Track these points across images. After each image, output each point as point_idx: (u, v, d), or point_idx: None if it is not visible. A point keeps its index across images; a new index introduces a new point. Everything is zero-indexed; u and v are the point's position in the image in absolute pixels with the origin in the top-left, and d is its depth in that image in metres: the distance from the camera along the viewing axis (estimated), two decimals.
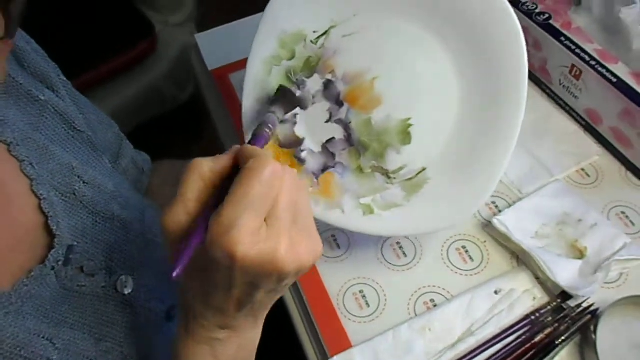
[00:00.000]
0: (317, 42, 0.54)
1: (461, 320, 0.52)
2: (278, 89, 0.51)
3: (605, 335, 0.49)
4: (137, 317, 0.45)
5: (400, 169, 0.50)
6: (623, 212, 0.60)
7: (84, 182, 0.44)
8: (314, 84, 0.53)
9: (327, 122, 0.52)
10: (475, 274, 0.56)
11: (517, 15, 0.70)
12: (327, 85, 0.52)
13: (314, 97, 0.53)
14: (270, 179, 0.32)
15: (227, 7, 1.15)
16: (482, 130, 0.49)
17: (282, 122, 0.52)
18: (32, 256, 0.39)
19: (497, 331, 0.51)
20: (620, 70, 0.62)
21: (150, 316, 0.47)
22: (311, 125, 0.53)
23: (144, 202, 0.52)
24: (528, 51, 0.71)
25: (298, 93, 0.53)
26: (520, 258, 0.56)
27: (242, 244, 0.31)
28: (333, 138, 0.52)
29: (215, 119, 0.78)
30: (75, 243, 0.41)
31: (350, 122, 0.51)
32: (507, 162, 0.48)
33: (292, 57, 0.54)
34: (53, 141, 0.44)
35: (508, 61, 0.49)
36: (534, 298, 0.54)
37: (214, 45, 0.84)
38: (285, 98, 0.50)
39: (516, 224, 0.57)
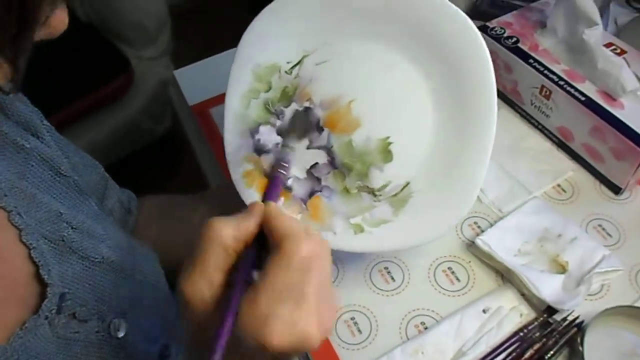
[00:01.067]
0: (291, 72, 0.55)
1: (452, 341, 0.53)
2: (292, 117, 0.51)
3: (592, 346, 0.50)
4: (131, 359, 0.45)
5: (385, 186, 0.51)
6: (600, 225, 0.62)
7: (72, 228, 0.43)
8: (292, 112, 0.54)
9: (308, 148, 0.53)
10: (463, 294, 0.57)
11: (486, 40, 0.73)
12: (306, 112, 0.54)
13: None
14: (306, 264, 0.33)
15: (201, 41, 1.17)
16: (458, 140, 0.51)
17: (265, 152, 0.53)
18: (25, 307, 0.38)
19: (488, 350, 0.52)
20: (588, 88, 0.65)
21: (144, 357, 0.47)
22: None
23: (133, 242, 0.51)
24: (499, 74, 0.74)
25: (278, 123, 0.54)
26: (505, 276, 0.58)
27: (277, 335, 0.31)
28: (317, 163, 0.53)
29: (197, 152, 0.79)
30: (67, 290, 0.40)
31: (332, 146, 0.53)
32: (486, 165, 0.49)
33: (268, 89, 0.55)
34: (40, 188, 0.44)
35: (476, 78, 0.51)
36: (521, 314, 0.55)
37: (192, 80, 0.85)
38: (296, 124, 0.50)
39: (498, 242, 0.58)
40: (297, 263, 0.32)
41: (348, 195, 0.52)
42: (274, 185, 0.43)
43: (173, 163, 1.63)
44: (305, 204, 0.52)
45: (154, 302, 0.50)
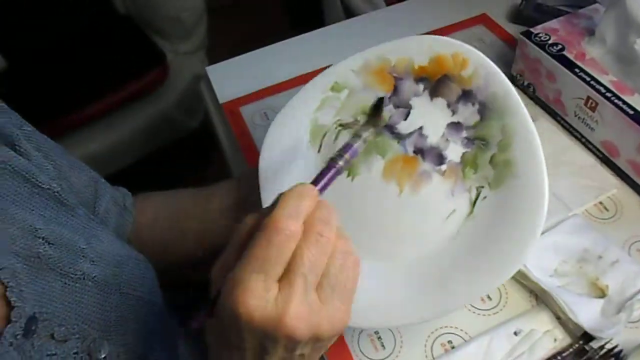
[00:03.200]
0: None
1: None
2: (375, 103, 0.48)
3: None
4: None
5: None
6: None
7: (49, 243, 0.41)
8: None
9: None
10: (494, 313, 0.54)
11: (530, 47, 0.71)
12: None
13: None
14: (282, 242, 0.32)
15: (236, 37, 1.16)
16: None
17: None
18: None
19: None
20: (637, 102, 0.61)
21: None
22: None
23: (123, 252, 0.49)
24: (542, 82, 0.71)
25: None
26: (540, 297, 0.55)
27: (246, 304, 0.31)
28: None
29: (225, 150, 0.78)
30: (43, 309, 0.38)
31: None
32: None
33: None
34: (14, 203, 0.42)
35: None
36: (555, 339, 0.52)
37: (224, 77, 0.84)
38: (374, 113, 0.47)
39: (535, 261, 0.55)
40: (273, 240, 0.32)
41: None
42: (324, 172, 0.40)
43: (204, 157, 1.64)
44: None
45: (142, 316, 0.47)
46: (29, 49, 1.38)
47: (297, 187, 0.36)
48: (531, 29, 0.72)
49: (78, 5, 1.43)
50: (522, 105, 0.47)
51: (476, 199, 0.48)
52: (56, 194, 0.46)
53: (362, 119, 0.52)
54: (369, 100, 0.52)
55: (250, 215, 0.36)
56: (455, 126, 0.50)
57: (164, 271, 0.57)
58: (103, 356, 0.41)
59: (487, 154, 0.48)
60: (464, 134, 0.49)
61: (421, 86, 0.51)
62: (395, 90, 0.52)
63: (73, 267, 0.42)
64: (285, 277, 0.32)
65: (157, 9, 1.48)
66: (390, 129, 0.51)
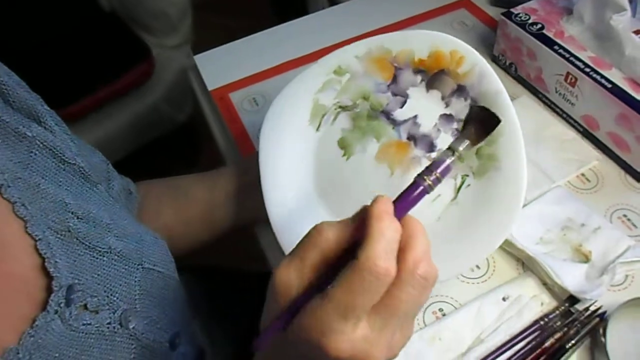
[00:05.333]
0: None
1: (470, 329, 0.53)
2: (477, 109, 0.44)
3: (615, 337, 0.49)
4: (143, 349, 0.44)
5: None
6: (625, 215, 0.60)
7: (78, 218, 0.42)
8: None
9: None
10: (483, 281, 0.56)
11: (511, 27, 0.73)
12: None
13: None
14: (379, 286, 0.30)
15: (222, 31, 1.17)
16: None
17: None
18: (32, 302, 0.37)
19: (507, 338, 0.52)
20: (615, 75, 0.63)
21: (155, 347, 0.46)
22: None
23: (140, 229, 0.50)
24: (523, 61, 0.73)
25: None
26: (526, 264, 0.57)
27: (337, 350, 0.30)
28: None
29: (216, 137, 0.79)
30: (77, 281, 0.39)
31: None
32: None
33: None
34: (44, 177, 0.43)
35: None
36: (542, 303, 0.54)
37: (213, 65, 0.85)
38: (484, 124, 0.41)
39: (520, 230, 0.57)
40: (370, 284, 0.30)
41: None
42: (412, 193, 0.36)
43: (194, 150, 1.64)
44: None
45: (162, 290, 0.49)
46: (13, 49, 1.37)
47: (386, 217, 0.32)
48: (511, 10, 0.74)
49: (62, 4, 1.43)
50: (511, 105, 0.50)
51: (460, 185, 0.51)
52: (81, 169, 0.47)
53: (361, 102, 0.54)
54: (368, 87, 0.54)
55: (329, 226, 0.33)
56: (447, 117, 0.52)
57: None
58: (132, 326, 0.43)
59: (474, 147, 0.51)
60: (455, 125, 0.52)
61: (419, 77, 0.54)
62: (395, 79, 0.54)
63: (100, 241, 0.43)
64: (379, 316, 0.31)
65: (142, 4, 1.48)
66: (387, 114, 0.54)
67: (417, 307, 0.33)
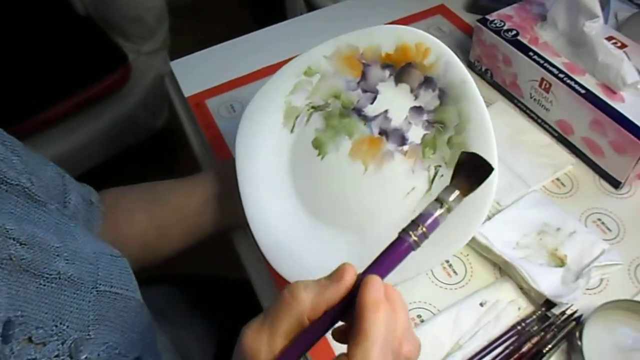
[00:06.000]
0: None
1: (449, 335, 0.53)
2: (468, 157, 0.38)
3: (591, 340, 0.49)
4: None
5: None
6: (599, 219, 0.61)
7: (20, 244, 0.39)
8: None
9: None
10: (460, 287, 0.56)
11: (486, 33, 0.73)
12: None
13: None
14: (389, 329, 0.32)
15: (199, 36, 1.16)
16: None
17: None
18: None
19: (485, 343, 0.52)
20: (588, 81, 0.64)
21: None
22: None
23: (98, 248, 0.48)
24: (498, 67, 0.74)
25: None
26: (503, 269, 0.57)
27: None
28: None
29: (193, 144, 0.78)
30: (18, 313, 0.37)
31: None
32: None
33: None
34: None
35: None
36: (519, 308, 0.54)
37: (189, 71, 0.84)
38: (470, 170, 0.36)
39: (497, 235, 0.57)
40: (383, 335, 0.32)
41: None
42: (396, 250, 0.34)
43: (171, 157, 1.62)
44: None
45: (121, 313, 0.46)
46: None
47: (382, 309, 0.33)
48: (487, 16, 0.74)
49: (36, 8, 1.41)
50: (478, 92, 0.50)
51: (434, 177, 0.51)
52: (26, 189, 0.44)
53: (332, 101, 0.54)
54: (338, 85, 0.55)
55: (305, 288, 0.33)
56: (417, 110, 0.52)
57: (144, 268, 0.56)
58: (84, 357, 0.40)
59: (444, 136, 0.51)
60: (425, 117, 0.52)
61: (387, 72, 0.54)
62: (364, 76, 0.55)
63: (48, 267, 0.40)
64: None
65: (118, 9, 1.46)
66: (358, 111, 0.54)
67: None
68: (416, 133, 0.52)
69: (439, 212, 0.34)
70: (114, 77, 1.42)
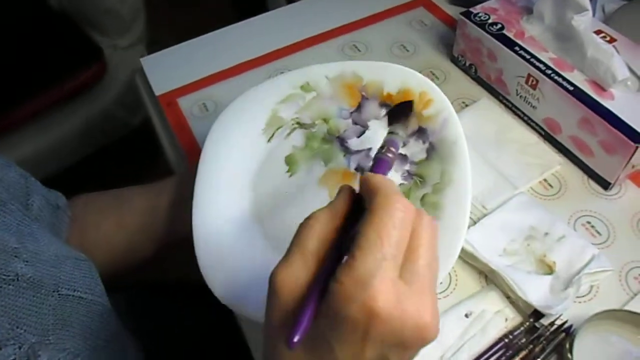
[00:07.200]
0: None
1: (433, 348, 0.49)
2: (396, 105, 0.48)
3: (582, 353, 0.47)
4: None
5: None
6: (589, 222, 0.58)
7: None
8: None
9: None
10: (444, 297, 0.53)
11: (470, 27, 0.70)
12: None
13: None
14: (404, 220, 0.29)
15: (178, 28, 1.12)
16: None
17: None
18: None
19: (471, 358, 0.49)
20: (576, 78, 0.61)
21: None
22: None
23: (62, 250, 0.46)
24: (483, 62, 0.71)
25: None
26: (489, 277, 0.54)
27: (385, 300, 0.27)
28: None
29: (165, 145, 0.75)
30: None
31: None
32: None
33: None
34: None
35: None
36: (506, 319, 0.51)
37: (161, 68, 0.80)
38: (404, 113, 0.46)
39: (483, 242, 0.55)
40: (396, 219, 0.29)
41: None
42: (378, 166, 0.39)
43: (149, 155, 1.57)
44: None
45: (84, 318, 0.44)
46: None
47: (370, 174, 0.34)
48: (471, 9, 0.71)
49: (7, 2, 1.35)
50: (467, 155, 0.48)
51: None
52: None
53: (319, 123, 0.53)
54: (331, 110, 0.53)
55: (322, 213, 0.33)
56: (401, 157, 0.50)
57: (112, 274, 0.54)
58: None
59: (420, 192, 0.49)
60: (407, 167, 0.50)
61: (383, 111, 0.52)
62: (359, 108, 0.53)
63: (4, 268, 0.39)
64: (411, 268, 0.30)
65: (92, 3, 1.41)
66: (342, 141, 0.52)
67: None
68: (394, 179, 0.50)
69: (397, 139, 0.41)
70: (89, 72, 1.38)
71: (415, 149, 0.50)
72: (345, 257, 0.30)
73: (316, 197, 0.50)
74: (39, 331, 0.40)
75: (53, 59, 1.36)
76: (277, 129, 0.54)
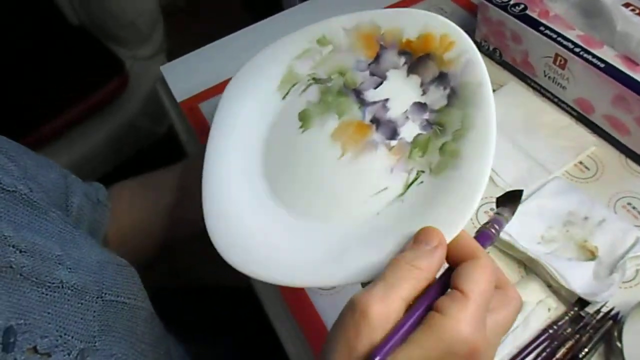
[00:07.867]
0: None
1: None
2: (506, 194, 0.46)
3: (632, 341, 0.45)
4: None
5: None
6: (629, 204, 0.56)
7: (20, 252, 0.38)
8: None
9: None
10: None
11: (492, 10, 0.68)
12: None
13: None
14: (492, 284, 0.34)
15: (198, 37, 1.12)
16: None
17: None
18: None
19: (515, 351, 0.47)
20: (607, 54, 0.59)
21: None
22: None
23: (103, 256, 0.46)
24: (507, 45, 0.69)
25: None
26: (529, 266, 0.52)
27: (483, 342, 0.33)
28: None
29: (189, 150, 0.75)
30: (21, 321, 0.35)
31: None
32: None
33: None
34: None
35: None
36: (549, 309, 0.49)
37: (181, 75, 0.80)
38: (512, 200, 0.45)
39: (520, 230, 0.53)
40: (490, 284, 0.34)
41: None
42: (481, 236, 0.41)
43: (175, 162, 1.59)
44: None
45: (129, 323, 0.45)
46: None
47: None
48: None
49: (27, 21, 1.38)
50: (492, 100, 0.44)
51: (413, 182, 0.45)
52: (24, 196, 0.43)
53: (335, 77, 0.52)
54: (348, 62, 0.52)
55: (422, 257, 0.36)
56: (420, 106, 0.48)
57: (152, 257, 0.56)
58: None
59: (439, 141, 0.46)
60: (426, 116, 0.47)
61: (402, 60, 0.50)
62: (377, 58, 0.51)
63: (49, 275, 0.40)
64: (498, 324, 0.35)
65: (111, 16, 1.43)
66: (357, 93, 0.50)
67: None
68: (410, 130, 0.47)
69: (503, 221, 0.42)
70: (112, 85, 1.40)
71: (435, 96, 0.47)
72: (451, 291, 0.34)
73: (326, 153, 0.48)
74: (86, 337, 0.40)
75: (77, 75, 1.38)
76: (293, 85, 0.53)
